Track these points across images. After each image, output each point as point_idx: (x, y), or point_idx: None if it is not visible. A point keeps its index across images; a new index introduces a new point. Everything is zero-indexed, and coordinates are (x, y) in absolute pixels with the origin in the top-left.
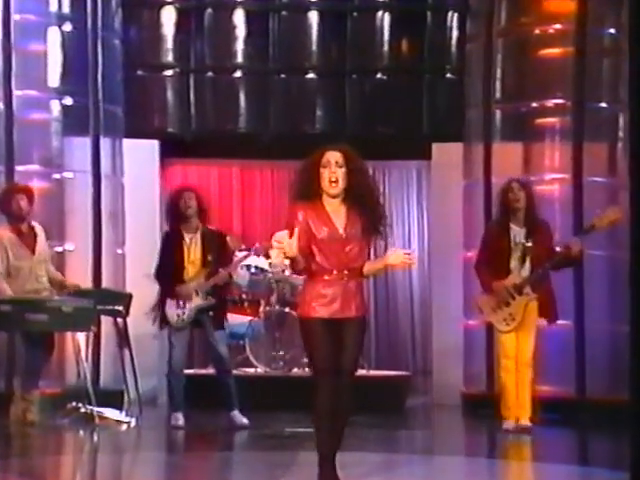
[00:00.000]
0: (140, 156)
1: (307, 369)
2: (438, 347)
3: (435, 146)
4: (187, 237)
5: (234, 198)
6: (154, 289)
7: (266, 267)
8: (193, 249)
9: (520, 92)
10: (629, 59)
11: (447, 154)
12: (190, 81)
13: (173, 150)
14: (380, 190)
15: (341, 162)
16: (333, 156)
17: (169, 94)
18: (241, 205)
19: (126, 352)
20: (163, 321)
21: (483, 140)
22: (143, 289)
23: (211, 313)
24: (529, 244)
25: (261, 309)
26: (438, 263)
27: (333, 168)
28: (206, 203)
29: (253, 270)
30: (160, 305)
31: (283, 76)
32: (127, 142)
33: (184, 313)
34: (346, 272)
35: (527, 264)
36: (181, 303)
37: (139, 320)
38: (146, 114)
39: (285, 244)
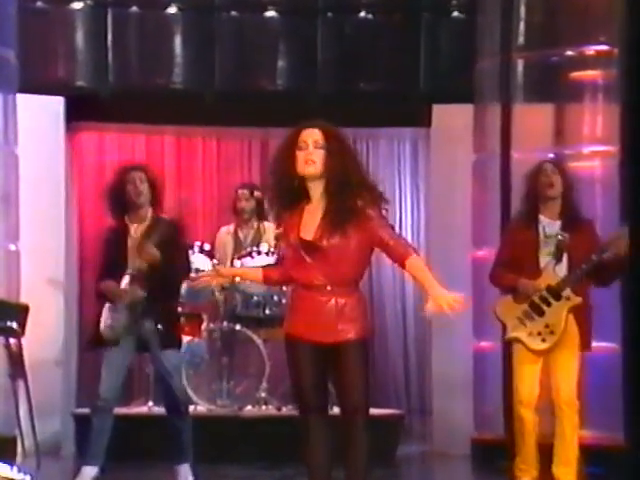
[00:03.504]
0: (40, 118)
1: (264, 406)
2: (439, 377)
3: (436, 108)
4: (132, 229)
5: (167, 174)
6: (58, 299)
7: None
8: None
9: (551, 36)
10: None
11: (452, 119)
12: (108, 18)
13: (84, 110)
14: (372, 177)
15: (321, 142)
16: (310, 135)
17: (79, 35)
18: (177, 184)
19: (20, 384)
20: (98, 340)
21: (500, 101)
22: (43, 299)
23: (160, 327)
24: (565, 236)
25: (203, 326)
26: (439, 265)
27: (310, 149)
28: (160, 183)
29: (193, 274)
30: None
31: (234, 14)
32: (22, 98)
33: (118, 319)
34: (329, 288)
35: (564, 261)
36: (112, 307)
37: (38, 341)
38: (48, 61)
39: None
